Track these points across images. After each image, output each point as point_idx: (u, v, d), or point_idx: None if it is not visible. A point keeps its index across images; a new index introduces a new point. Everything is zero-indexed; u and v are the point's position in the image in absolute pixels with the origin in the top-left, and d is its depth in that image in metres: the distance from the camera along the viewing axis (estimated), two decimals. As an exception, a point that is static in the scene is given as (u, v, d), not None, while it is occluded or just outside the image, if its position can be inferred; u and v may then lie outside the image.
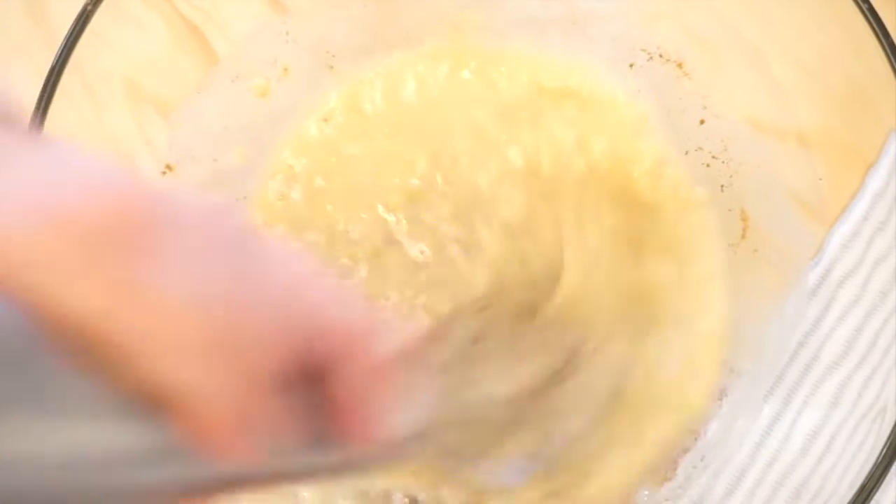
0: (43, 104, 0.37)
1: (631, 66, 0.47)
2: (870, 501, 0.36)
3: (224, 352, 0.18)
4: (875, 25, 0.38)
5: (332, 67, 0.47)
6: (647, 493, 0.42)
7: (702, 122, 0.46)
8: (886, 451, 0.36)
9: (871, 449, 0.37)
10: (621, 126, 0.47)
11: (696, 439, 0.42)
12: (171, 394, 0.17)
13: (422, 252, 0.45)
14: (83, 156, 0.18)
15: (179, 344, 0.17)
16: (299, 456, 0.21)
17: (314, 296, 0.21)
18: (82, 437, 0.17)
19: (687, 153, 0.47)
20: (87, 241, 0.16)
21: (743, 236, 0.44)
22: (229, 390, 0.18)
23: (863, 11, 0.38)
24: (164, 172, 0.43)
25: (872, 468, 0.36)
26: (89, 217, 0.17)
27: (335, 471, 0.23)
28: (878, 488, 0.36)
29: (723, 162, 0.45)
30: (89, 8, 0.38)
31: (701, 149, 0.46)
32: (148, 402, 0.17)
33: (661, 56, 0.46)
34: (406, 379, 0.24)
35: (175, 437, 0.18)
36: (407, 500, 0.44)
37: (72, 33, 0.38)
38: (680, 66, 0.46)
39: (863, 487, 0.36)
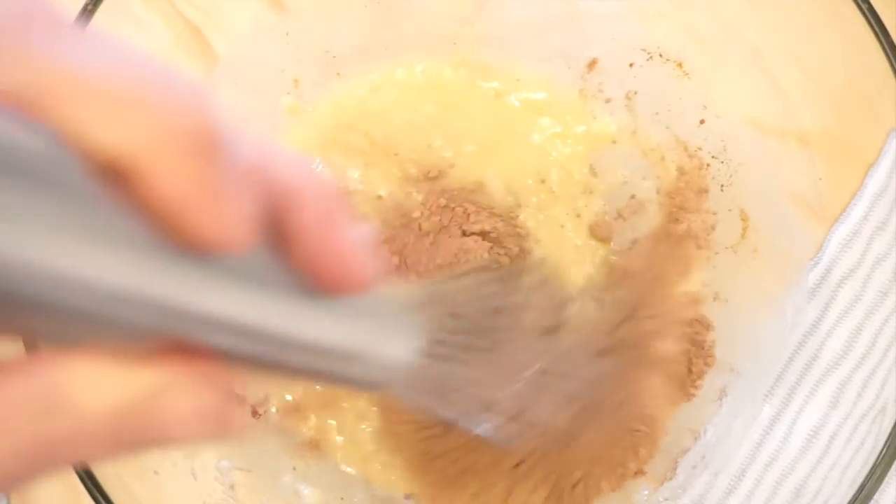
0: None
1: (631, 65, 0.47)
2: (870, 501, 0.36)
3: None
4: (875, 25, 0.38)
5: (338, 74, 0.47)
6: (646, 492, 0.42)
7: (702, 122, 0.46)
8: (886, 451, 0.36)
9: (870, 449, 0.37)
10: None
11: (696, 439, 0.42)
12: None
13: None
14: None
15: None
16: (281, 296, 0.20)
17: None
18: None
19: (686, 152, 0.47)
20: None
21: (743, 236, 0.44)
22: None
23: (863, 11, 0.39)
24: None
25: (872, 468, 0.36)
26: None
27: (338, 372, 0.22)
28: (877, 488, 0.36)
29: (722, 162, 0.45)
30: (89, 8, 0.38)
31: (700, 149, 0.46)
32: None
33: (661, 56, 0.46)
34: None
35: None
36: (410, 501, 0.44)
37: (72, 33, 0.38)
38: (680, 66, 0.46)
39: (862, 487, 0.36)
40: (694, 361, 0.43)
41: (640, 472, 0.42)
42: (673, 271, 0.44)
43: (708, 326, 0.44)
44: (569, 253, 0.46)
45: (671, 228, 0.45)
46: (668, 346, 0.43)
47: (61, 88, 0.16)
